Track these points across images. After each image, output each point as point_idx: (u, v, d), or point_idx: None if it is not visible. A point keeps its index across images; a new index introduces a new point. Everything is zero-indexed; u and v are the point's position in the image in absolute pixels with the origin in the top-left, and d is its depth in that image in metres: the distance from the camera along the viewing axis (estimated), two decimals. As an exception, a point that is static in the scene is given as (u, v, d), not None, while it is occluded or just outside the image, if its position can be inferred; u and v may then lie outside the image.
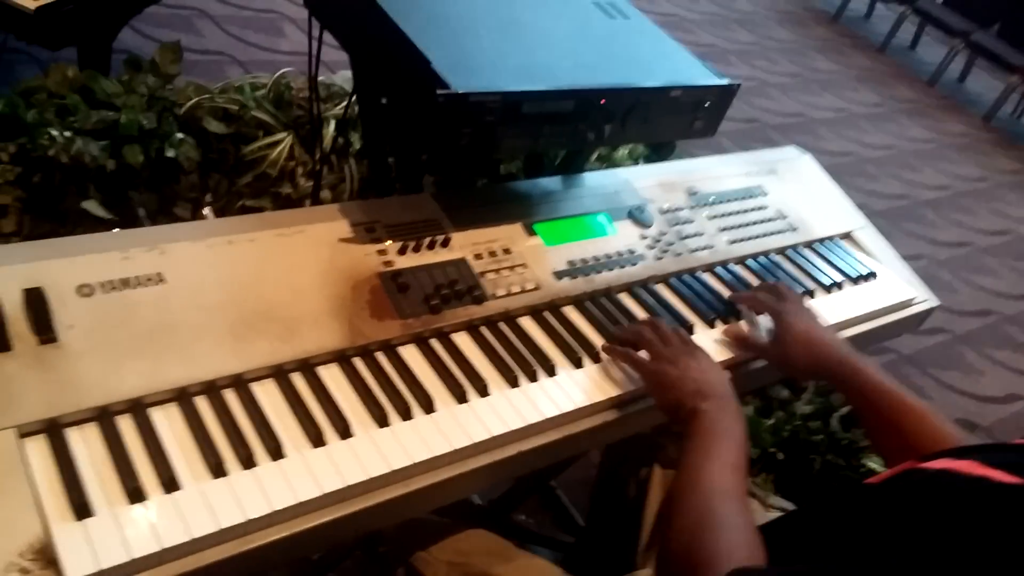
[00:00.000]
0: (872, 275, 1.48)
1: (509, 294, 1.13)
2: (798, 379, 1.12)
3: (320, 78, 2.35)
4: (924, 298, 1.51)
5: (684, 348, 1.07)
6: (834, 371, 1.11)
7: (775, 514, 1.23)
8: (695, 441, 0.93)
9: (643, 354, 1.09)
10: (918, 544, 0.61)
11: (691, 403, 0.98)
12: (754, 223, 1.45)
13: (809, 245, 1.50)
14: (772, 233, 1.46)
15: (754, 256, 1.41)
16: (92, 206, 1.83)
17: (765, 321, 1.21)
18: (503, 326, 1.11)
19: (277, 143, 2.17)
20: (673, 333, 1.10)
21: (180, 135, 2.01)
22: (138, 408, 0.84)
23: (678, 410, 0.99)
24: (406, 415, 0.95)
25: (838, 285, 1.43)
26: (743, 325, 1.24)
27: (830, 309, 1.37)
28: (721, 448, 0.91)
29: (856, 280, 1.46)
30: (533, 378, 1.05)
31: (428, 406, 0.96)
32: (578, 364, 1.10)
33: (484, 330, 1.10)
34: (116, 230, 1.55)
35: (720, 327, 1.24)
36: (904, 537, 0.63)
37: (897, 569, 0.61)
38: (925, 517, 0.64)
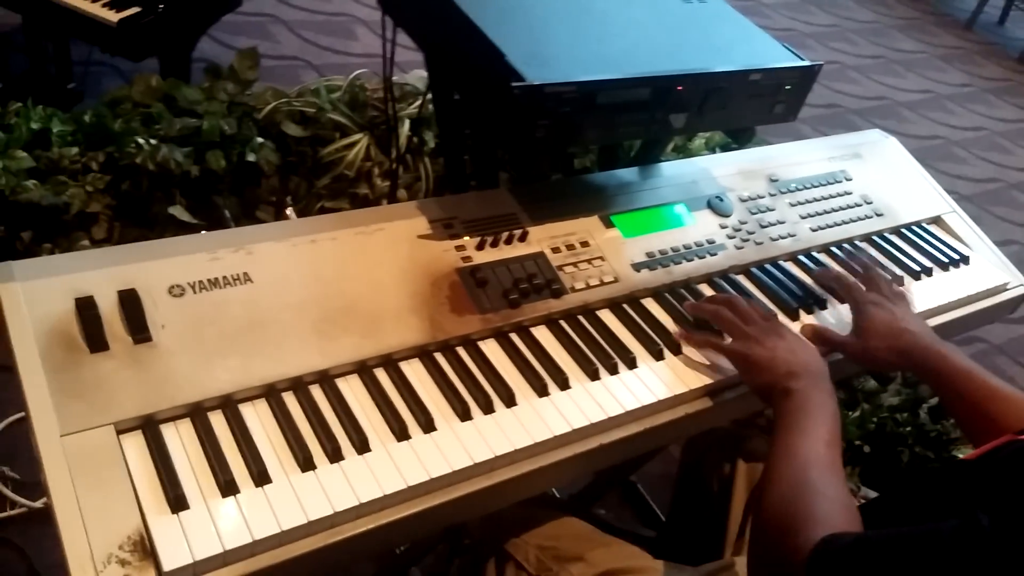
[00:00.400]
0: (963, 260, 1.42)
1: (588, 287, 1.12)
2: (881, 371, 1.10)
3: (393, 78, 2.40)
4: (1018, 283, 1.44)
5: (768, 326, 1.05)
6: (917, 361, 1.07)
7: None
8: (788, 419, 0.92)
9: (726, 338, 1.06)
10: (1018, 506, 0.60)
11: (783, 383, 0.96)
12: (838, 209, 1.41)
13: (896, 231, 1.45)
14: (857, 219, 1.41)
15: (838, 243, 1.37)
16: (178, 211, 1.89)
17: (846, 313, 1.17)
18: (582, 319, 1.11)
19: (353, 144, 2.21)
20: (752, 310, 1.08)
21: (260, 139, 2.06)
22: (229, 404, 0.86)
23: (771, 392, 0.98)
24: (488, 409, 0.95)
25: (927, 271, 1.37)
26: (822, 318, 1.21)
27: (919, 296, 1.32)
28: (815, 424, 0.90)
29: (946, 266, 1.40)
30: (614, 371, 1.04)
31: (509, 399, 0.96)
32: (659, 356, 1.08)
33: (563, 323, 1.09)
34: (203, 232, 1.60)
35: (804, 317, 1.21)
36: (1005, 501, 0.62)
37: (997, 528, 0.60)
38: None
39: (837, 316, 1.22)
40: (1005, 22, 6.52)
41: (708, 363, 1.08)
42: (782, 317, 1.20)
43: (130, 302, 0.87)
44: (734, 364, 1.05)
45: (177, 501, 0.76)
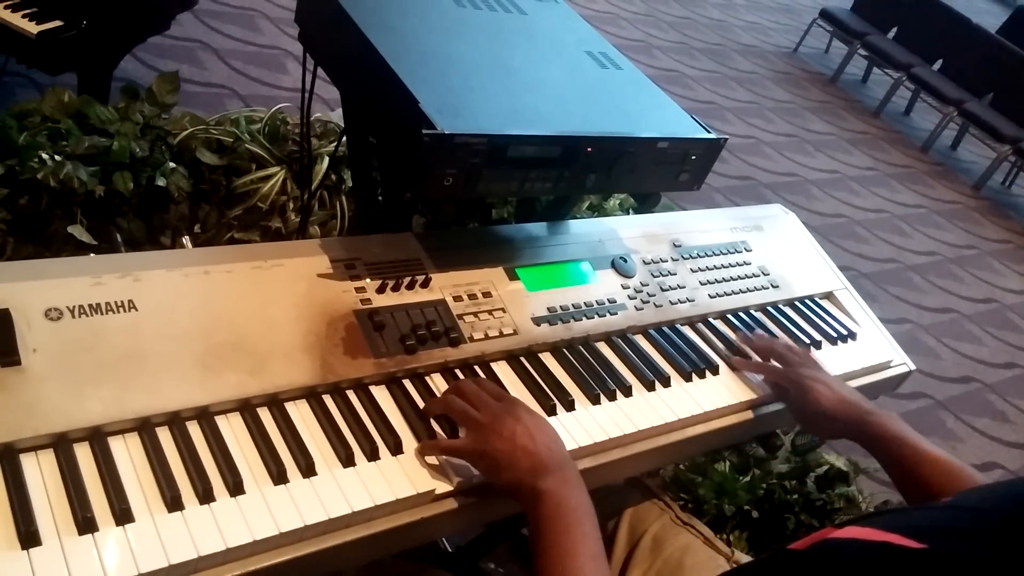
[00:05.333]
0: (850, 336, 1.49)
1: (486, 338, 1.13)
2: (823, 438, 1.28)
3: (317, 115, 2.38)
4: (901, 361, 1.51)
5: (502, 408, 0.96)
6: (861, 431, 1.15)
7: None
8: (547, 529, 0.87)
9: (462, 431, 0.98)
10: None
11: (530, 482, 0.90)
12: (736, 278, 1.45)
13: (790, 303, 1.50)
14: (754, 289, 1.46)
15: (734, 312, 1.41)
16: (77, 231, 1.82)
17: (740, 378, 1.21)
18: (478, 369, 1.11)
19: (269, 177, 2.18)
20: (482, 390, 0.99)
21: (172, 164, 2.01)
22: (98, 437, 0.82)
23: (518, 492, 0.91)
24: (373, 455, 0.93)
25: (816, 344, 1.43)
26: (715, 382, 1.25)
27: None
28: (577, 535, 0.86)
29: (834, 340, 1.46)
30: (505, 424, 1.04)
31: (396, 447, 0.95)
32: (551, 412, 1.09)
33: (459, 373, 1.09)
34: (91, 255, 1.54)
35: (696, 381, 1.24)
36: None
37: None
38: None
39: (729, 381, 1.26)
40: (911, 112, 6.95)
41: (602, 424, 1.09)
42: (676, 379, 1.22)
43: (1, 322, 0.83)
44: (472, 464, 0.94)
45: (29, 537, 0.72)
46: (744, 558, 1.24)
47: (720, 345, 1.32)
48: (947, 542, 0.63)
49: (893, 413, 1.17)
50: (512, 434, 0.92)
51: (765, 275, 1.50)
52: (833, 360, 1.41)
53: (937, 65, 6.61)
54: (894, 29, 6.85)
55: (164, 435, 0.85)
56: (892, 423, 1.13)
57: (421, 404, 1.02)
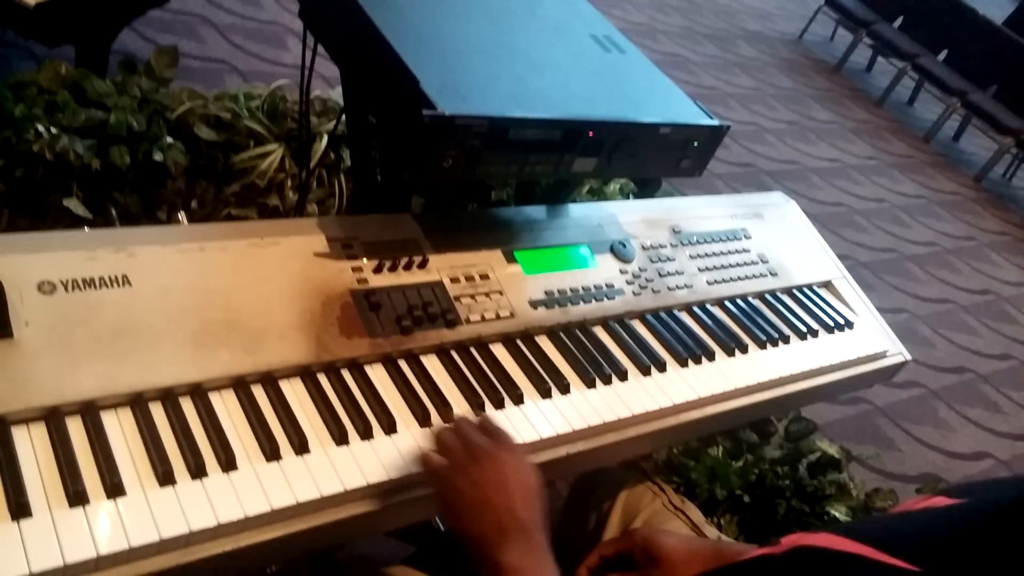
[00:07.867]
0: (848, 325, 1.48)
1: (483, 320, 1.12)
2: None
3: (317, 92, 2.36)
4: (897, 351, 1.52)
5: (485, 449, 0.85)
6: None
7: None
8: None
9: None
10: None
11: (490, 548, 0.78)
12: (735, 265, 1.45)
13: (788, 291, 1.50)
14: (752, 276, 1.45)
15: (732, 299, 1.41)
16: (74, 204, 1.81)
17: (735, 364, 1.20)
18: (474, 351, 1.10)
19: (267, 154, 2.16)
20: (475, 428, 0.88)
21: (169, 139, 2.00)
22: (90, 410, 0.82)
23: (475, 553, 0.79)
24: (366, 434, 0.93)
25: (813, 332, 1.42)
26: (710, 368, 1.23)
27: (804, 356, 1.37)
28: None
29: (831, 329, 1.46)
30: (500, 405, 1.04)
31: (390, 427, 0.95)
32: (547, 394, 1.08)
33: (454, 354, 1.08)
34: (86, 229, 1.53)
35: (692, 367, 1.23)
36: None
37: None
38: None
39: (724, 367, 1.26)
40: (914, 103, 6.92)
41: (593, 406, 1.09)
42: (672, 364, 1.22)
43: (-7, 295, 0.82)
44: (434, 501, 0.87)
45: (19, 508, 0.72)
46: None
47: (718, 332, 1.32)
48: (943, 563, 0.61)
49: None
50: (481, 480, 0.81)
51: (764, 263, 1.50)
52: (830, 349, 1.41)
53: (942, 55, 6.58)
54: (900, 18, 6.82)
55: (157, 410, 0.85)
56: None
57: (416, 385, 1.01)
